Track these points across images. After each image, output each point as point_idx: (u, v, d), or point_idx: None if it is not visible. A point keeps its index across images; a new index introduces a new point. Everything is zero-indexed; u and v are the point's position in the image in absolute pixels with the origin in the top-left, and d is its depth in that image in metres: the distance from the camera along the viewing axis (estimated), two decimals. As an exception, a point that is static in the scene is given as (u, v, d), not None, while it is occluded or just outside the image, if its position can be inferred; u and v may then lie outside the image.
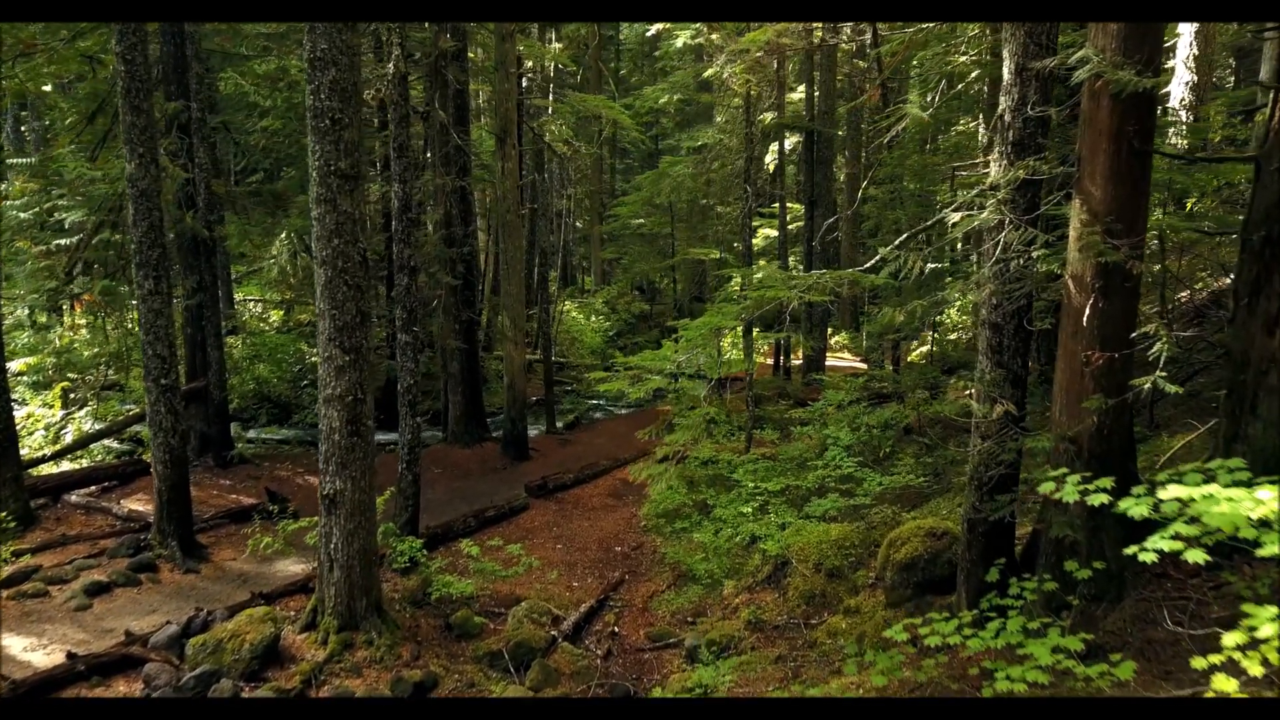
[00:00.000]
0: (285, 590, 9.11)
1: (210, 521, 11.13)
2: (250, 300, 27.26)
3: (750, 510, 10.27)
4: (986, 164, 6.25)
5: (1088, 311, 5.52)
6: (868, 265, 5.90)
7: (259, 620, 7.83)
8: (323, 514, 7.99)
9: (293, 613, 8.65)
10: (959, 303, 16.44)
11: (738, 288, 29.31)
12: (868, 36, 15.39)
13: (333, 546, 7.95)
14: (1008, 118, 5.97)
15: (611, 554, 11.22)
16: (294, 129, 16.16)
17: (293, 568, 9.99)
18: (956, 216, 5.62)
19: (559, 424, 18.81)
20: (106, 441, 14.08)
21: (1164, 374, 5.05)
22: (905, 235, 5.91)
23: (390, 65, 9.34)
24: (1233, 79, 17.76)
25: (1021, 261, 5.76)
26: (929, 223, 5.94)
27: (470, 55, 23.32)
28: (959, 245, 15.89)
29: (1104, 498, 3.33)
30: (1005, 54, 5.99)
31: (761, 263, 29.40)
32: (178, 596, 9.11)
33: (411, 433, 10.06)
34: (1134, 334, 5.39)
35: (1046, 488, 3.68)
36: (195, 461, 13.36)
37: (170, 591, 9.24)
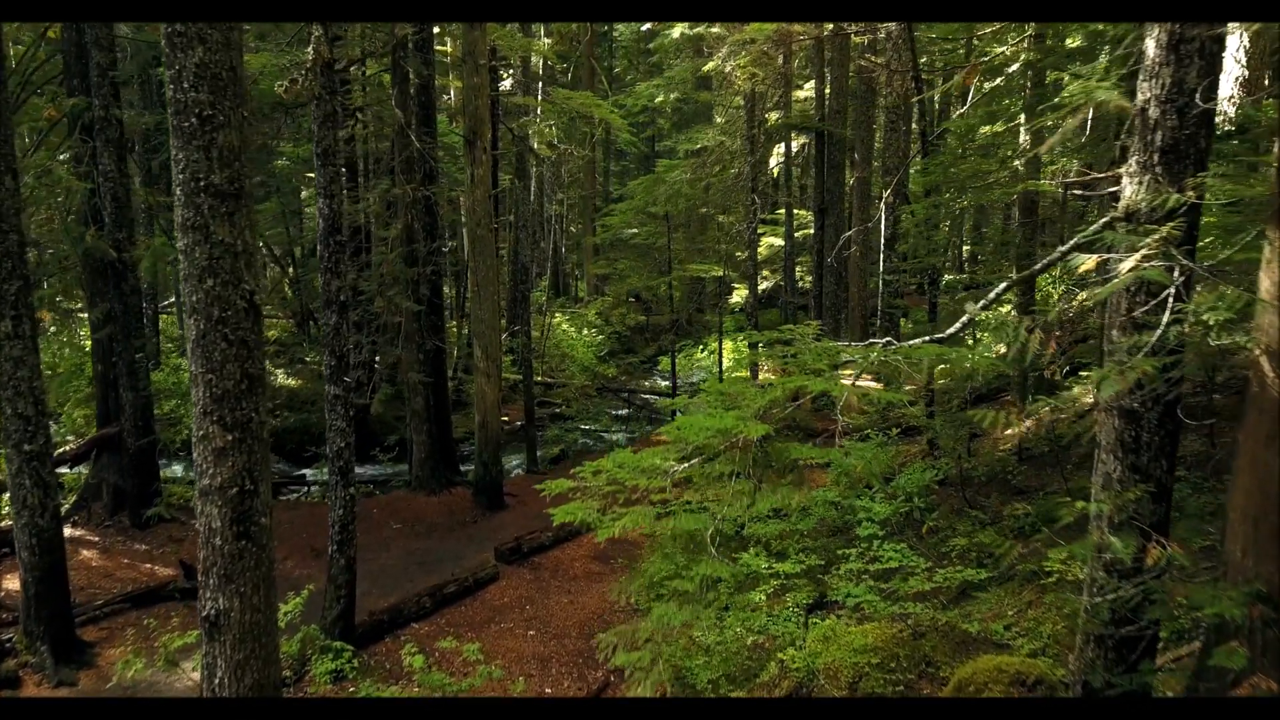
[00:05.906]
0: (175, 716, 7.17)
1: (105, 608, 9.16)
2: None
3: (762, 598, 8.37)
4: (1116, 179, 4.33)
5: (1299, 409, 3.62)
6: (949, 332, 3.97)
7: (117, 783, 5.89)
8: (204, 640, 6.05)
9: (178, 752, 6.72)
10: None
11: (741, 299, 27.37)
12: (890, 24, 13.47)
13: (217, 682, 5.99)
14: (1153, 113, 4.05)
15: (595, 643, 9.27)
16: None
17: (197, 674, 8.04)
18: (1090, 260, 3.70)
19: (540, 453, 16.80)
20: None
21: None
22: (1004, 286, 3.98)
23: (310, 50, 7.41)
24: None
25: (1184, 328, 3.85)
26: (1038, 266, 4.00)
27: (448, 49, 21.39)
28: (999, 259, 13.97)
29: None
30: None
31: (766, 273, 27.47)
32: (37, 725, 7.16)
33: (344, 506, 8.12)
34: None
35: None
36: (108, 522, 11.41)
37: (30, 717, 7.29)
